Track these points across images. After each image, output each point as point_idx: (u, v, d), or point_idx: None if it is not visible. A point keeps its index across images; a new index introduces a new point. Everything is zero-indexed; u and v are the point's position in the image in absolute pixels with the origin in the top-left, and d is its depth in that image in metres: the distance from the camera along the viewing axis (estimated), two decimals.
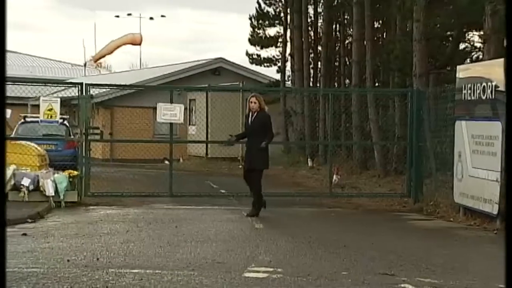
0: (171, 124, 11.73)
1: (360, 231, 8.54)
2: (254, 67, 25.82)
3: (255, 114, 9.50)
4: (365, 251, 6.84)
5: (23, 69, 40.98)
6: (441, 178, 11.02)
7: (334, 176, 13.39)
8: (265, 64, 24.76)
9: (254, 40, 24.28)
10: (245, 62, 26.52)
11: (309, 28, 21.79)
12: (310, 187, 14.85)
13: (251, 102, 9.52)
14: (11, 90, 11.45)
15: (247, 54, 24.72)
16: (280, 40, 23.84)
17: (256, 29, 24.27)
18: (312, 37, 22.13)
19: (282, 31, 23.67)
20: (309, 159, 19.32)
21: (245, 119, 9.96)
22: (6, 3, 2.42)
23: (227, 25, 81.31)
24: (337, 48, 21.34)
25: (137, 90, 22.69)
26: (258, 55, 24.58)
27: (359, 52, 16.99)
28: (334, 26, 21.53)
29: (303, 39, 21.13)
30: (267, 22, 24.27)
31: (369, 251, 6.82)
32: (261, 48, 24.30)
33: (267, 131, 9.47)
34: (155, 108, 12.31)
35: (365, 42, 16.88)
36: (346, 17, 21.00)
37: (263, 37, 24.26)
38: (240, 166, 21.08)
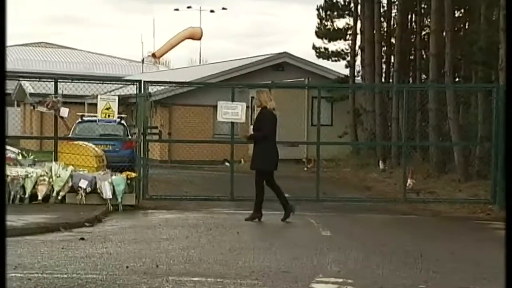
0: (232, 123, 11.85)
1: (439, 240, 8.34)
2: (320, 62, 25.70)
3: (258, 111, 9.66)
4: (444, 262, 6.68)
5: (80, 66, 42.50)
6: None
7: (409, 180, 13.14)
8: (333, 59, 24.56)
9: (321, 32, 24.14)
10: (310, 56, 26.44)
11: (382, 19, 21.46)
12: (382, 192, 14.63)
13: (255, 98, 9.73)
14: (69, 88, 11.87)
15: (314, 47, 24.61)
16: (349, 32, 23.60)
17: (323, 21, 24.12)
18: (385, 29, 21.79)
19: (352, 23, 23.43)
20: (380, 162, 19.03)
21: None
22: (6, 3, 2.54)
23: (291, 17, 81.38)
24: (412, 40, 20.92)
25: (197, 88, 23.03)
26: (326, 49, 24.41)
27: (438, 44, 16.58)
28: (409, 16, 21.11)
29: (375, 31, 20.84)
30: (335, 13, 24.08)
31: (449, 262, 6.65)
32: (329, 41, 24.12)
33: (260, 129, 9.53)
34: (215, 107, 12.47)
35: (444, 33, 16.46)
36: (423, 6, 20.55)
37: (331, 29, 24.09)
38: (306, 169, 21.09)
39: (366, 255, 6.98)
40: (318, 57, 24.89)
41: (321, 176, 12.11)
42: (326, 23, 24.21)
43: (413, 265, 6.48)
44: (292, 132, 20.91)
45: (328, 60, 24.77)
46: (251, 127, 25.79)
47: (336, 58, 24.56)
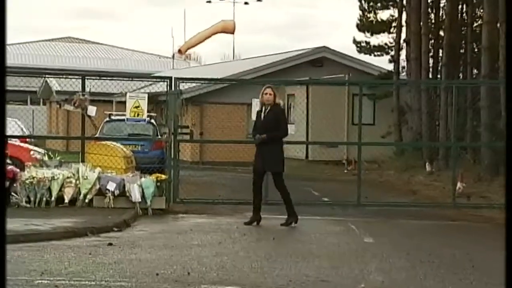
0: None
1: (492, 249, 8.20)
2: (362, 57, 25.53)
3: (269, 108, 9.49)
4: (498, 274, 6.55)
5: (108, 62, 43.14)
6: None
7: (458, 184, 12.95)
8: (376, 53, 24.37)
9: (363, 25, 23.97)
10: (351, 51, 26.29)
11: (429, 10, 21.19)
12: (429, 196, 14.46)
13: (266, 94, 9.49)
14: (97, 86, 12.06)
15: (354, 41, 24.46)
16: (394, 24, 23.38)
17: (366, 13, 23.95)
18: (433, 20, 21.52)
19: (396, 14, 23.21)
20: (427, 164, 18.81)
21: (256, 115, 9.83)
22: (6, 3, 2.60)
23: (330, 9, 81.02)
24: (463, 32, 20.60)
25: (230, 85, 23.13)
26: (367, 43, 24.24)
27: (491, 36, 16.29)
28: (459, 6, 20.79)
29: (421, 23, 20.59)
30: (379, 4, 23.89)
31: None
32: (371, 34, 23.94)
33: (279, 128, 9.43)
34: (249, 105, 12.51)
35: (498, 25, 16.17)
36: None
37: (373, 22, 23.89)
38: (346, 171, 21.00)
39: (411, 264, 6.90)
40: (360, 51, 24.73)
41: (362, 179, 12.03)
42: (368, 15, 24.03)
43: (464, 276, 6.39)
44: (331, 132, 20.87)
45: (370, 55, 24.59)
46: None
47: (379, 53, 24.36)
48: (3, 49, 2.61)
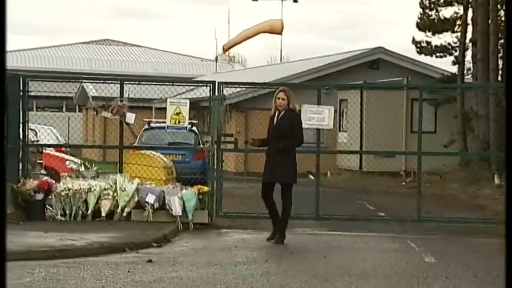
0: (317, 130, 11.86)
1: None
2: (422, 58, 25.26)
3: (282, 113, 9.46)
4: None
5: (147, 66, 43.82)
6: None
7: None
8: (438, 54, 24.09)
9: (424, 23, 23.73)
10: (410, 51, 26.05)
11: (498, 6, 20.84)
12: (498, 212, 14.15)
13: (279, 98, 9.49)
14: (135, 91, 12.25)
15: (414, 41, 24.24)
16: (458, 22, 23.08)
17: (426, 10, 23.71)
18: (502, 18, 21.13)
19: (461, 11, 22.90)
20: (495, 176, 18.45)
21: (269, 119, 9.77)
22: (6, 3, 2.68)
23: (387, 6, 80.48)
24: None
25: (277, 89, 23.16)
26: (429, 43, 23.98)
27: None
28: None
29: (490, 20, 20.26)
30: (442, 1, 23.62)
31: None
32: (433, 33, 23.67)
33: (294, 135, 9.39)
34: (298, 111, 12.50)
35: None
36: None
37: (435, 20, 23.63)
38: (404, 183, 20.78)
39: (478, 287, 6.79)
40: (419, 52, 24.47)
41: (422, 192, 11.91)
42: (430, 13, 23.78)
43: None
44: (388, 140, 20.69)
45: (431, 56, 24.31)
46: (342, 134, 25.49)
47: (441, 54, 24.07)
48: (3, 50, 2.72)
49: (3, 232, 2.75)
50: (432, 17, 23.79)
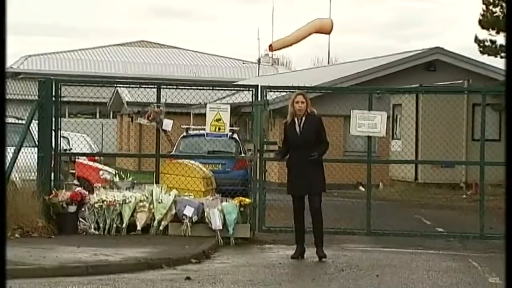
0: (368, 137, 11.80)
1: None
2: (485, 59, 24.88)
3: (304, 119, 9.57)
4: None
5: (185, 69, 44.20)
6: None
7: None
8: (503, 54, 23.71)
9: (488, 21, 23.35)
10: (471, 52, 25.74)
11: None
12: None
13: (298, 102, 9.61)
14: (173, 96, 12.35)
15: (476, 40, 23.87)
16: None
17: (490, 6, 23.35)
18: None
19: None
20: None
21: (287, 127, 9.86)
22: (6, 3, 2.73)
23: (445, 2, 79.66)
24: None
25: (324, 94, 23.11)
26: (493, 42, 23.59)
27: None
28: None
29: None
30: None
31: None
32: (498, 32, 23.28)
33: (322, 141, 9.54)
34: (347, 117, 12.46)
35: None
36: None
37: (500, 17, 23.26)
38: (465, 196, 20.49)
39: None
40: (482, 52, 24.08)
41: (486, 206, 11.71)
42: (494, 9, 23.39)
43: None
44: (447, 149, 20.44)
45: (495, 56, 23.90)
46: (395, 142, 25.20)
47: None
48: (3, 50, 2.78)
49: (3, 232, 2.82)
50: (496, 14, 23.41)
